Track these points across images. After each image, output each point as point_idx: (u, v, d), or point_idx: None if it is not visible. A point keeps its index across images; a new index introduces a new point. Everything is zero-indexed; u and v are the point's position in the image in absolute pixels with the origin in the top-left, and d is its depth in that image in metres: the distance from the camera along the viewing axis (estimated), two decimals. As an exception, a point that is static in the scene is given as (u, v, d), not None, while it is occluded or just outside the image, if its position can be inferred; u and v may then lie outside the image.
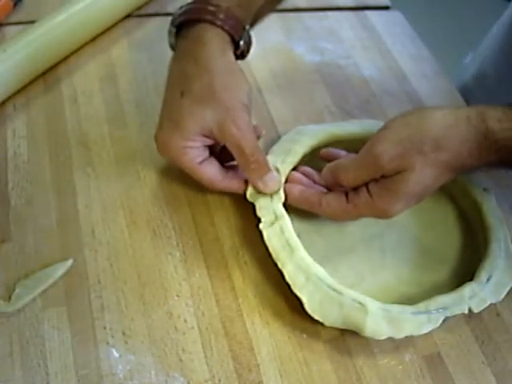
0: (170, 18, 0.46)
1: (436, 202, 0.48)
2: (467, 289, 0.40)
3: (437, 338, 0.41)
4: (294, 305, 0.41)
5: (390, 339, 0.40)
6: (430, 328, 0.39)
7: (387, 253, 0.45)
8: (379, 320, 0.38)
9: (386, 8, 0.67)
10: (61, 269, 0.42)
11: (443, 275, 0.44)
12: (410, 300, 0.41)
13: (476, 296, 0.40)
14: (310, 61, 0.59)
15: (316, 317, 0.39)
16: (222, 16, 0.43)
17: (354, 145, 0.46)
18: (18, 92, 0.53)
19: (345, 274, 0.43)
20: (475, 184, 0.46)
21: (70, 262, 0.42)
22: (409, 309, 0.39)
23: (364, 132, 0.48)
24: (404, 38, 0.64)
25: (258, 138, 0.45)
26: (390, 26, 0.65)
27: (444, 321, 0.40)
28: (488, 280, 0.41)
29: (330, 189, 0.43)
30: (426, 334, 0.40)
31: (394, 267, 0.44)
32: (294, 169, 0.45)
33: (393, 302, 0.40)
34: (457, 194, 0.48)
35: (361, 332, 0.38)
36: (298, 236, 0.41)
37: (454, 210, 0.48)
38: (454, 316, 0.40)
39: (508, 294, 0.42)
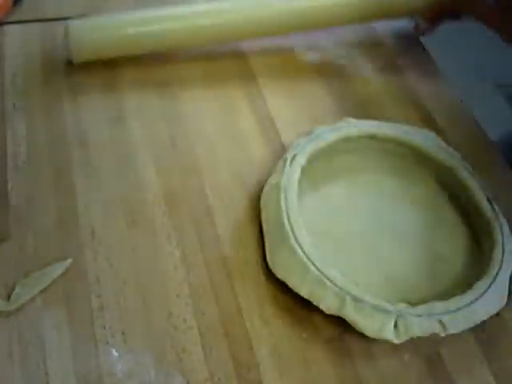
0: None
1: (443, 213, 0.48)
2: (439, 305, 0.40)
3: (437, 337, 0.41)
4: (294, 304, 0.41)
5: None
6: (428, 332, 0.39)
7: (390, 253, 0.45)
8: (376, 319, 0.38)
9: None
10: (60, 268, 0.42)
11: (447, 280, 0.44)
12: (409, 302, 0.41)
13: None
14: (310, 61, 0.59)
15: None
16: None
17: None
18: (18, 91, 0.53)
19: (346, 271, 0.43)
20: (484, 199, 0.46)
21: (69, 262, 0.42)
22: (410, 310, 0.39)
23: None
24: (404, 37, 0.64)
25: None
26: (389, 25, 0.65)
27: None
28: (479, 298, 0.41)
29: None
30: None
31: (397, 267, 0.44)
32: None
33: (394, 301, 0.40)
34: (465, 203, 0.48)
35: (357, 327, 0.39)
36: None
37: (461, 218, 0.48)
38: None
39: (509, 292, 0.42)
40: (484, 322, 0.41)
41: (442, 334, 0.39)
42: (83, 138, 0.50)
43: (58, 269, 0.42)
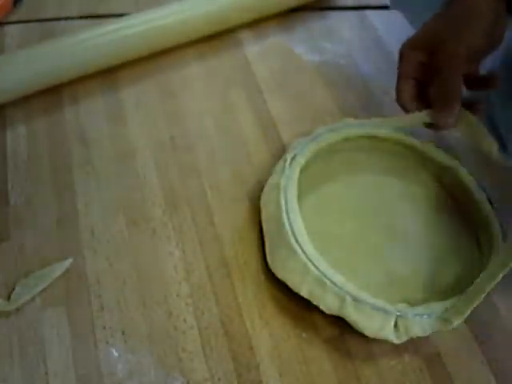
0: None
1: (448, 215, 0.48)
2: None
3: (437, 337, 0.41)
4: (294, 304, 0.41)
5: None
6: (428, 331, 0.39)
7: (394, 253, 0.45)
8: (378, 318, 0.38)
9: (386, 8, 0.67)
10: (60, 268, 0.42)
11: (448, 279, 0.44)
12: (409, 302, 0.41)
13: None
14: (309, 61, 0.59)
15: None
16: None
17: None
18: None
19: (346, 271, 0.43)
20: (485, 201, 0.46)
21: (69, 262, 0.42)
22: (409, 310, 0.39)
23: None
24: (404, 37, 0.63)
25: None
26: (389, 25, 0.65)
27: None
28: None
29: None
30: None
31: (398, 267, 0.44)
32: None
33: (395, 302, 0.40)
34: (465, 203, 0.48)
35: (357, 327, 0.39)
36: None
37: (461, 217, 0.48)
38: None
39: (508, 292, 0.42)
40: (484, 322, 0.41)
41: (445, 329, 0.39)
42: (83, 138, 0.50)
43: (57, 269, 0.42)
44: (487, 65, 0.60)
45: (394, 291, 0.42)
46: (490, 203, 0.45)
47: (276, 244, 0.42)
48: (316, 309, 0.40)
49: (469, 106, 0.46)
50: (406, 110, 0.47)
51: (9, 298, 0.40)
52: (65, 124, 0.51)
